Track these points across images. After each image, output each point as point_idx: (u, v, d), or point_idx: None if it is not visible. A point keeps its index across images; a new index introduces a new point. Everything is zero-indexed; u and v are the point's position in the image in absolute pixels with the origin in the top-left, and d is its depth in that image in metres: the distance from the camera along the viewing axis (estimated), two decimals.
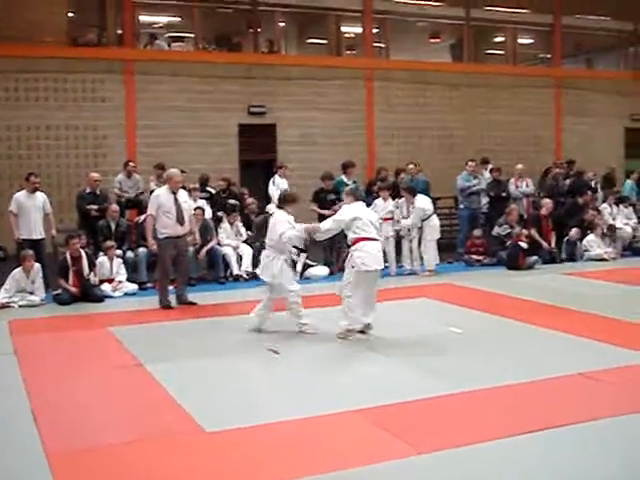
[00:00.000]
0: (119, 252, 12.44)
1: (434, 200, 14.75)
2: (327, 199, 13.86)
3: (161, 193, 10.80)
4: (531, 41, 24.45)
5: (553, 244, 15.05)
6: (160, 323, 9.76)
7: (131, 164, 15.06)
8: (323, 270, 13.44)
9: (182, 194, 10.97)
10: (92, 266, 11.55)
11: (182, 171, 13.05)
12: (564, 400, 6.17)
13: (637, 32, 24.36)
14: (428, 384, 6.60)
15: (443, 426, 5.60)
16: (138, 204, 14.36)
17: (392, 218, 13.54)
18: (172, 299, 10.86)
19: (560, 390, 6.44)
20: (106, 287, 11.73)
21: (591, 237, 15.30)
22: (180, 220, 10.69)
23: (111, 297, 11.58)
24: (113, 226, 12.89)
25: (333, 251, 13.95)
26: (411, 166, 15.65)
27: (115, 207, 13.23)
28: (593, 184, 17.46)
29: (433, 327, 8.63)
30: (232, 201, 14.30)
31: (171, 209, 10.61)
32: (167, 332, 9.32)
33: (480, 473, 4.73)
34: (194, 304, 10.91)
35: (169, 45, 19.66)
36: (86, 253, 11.57)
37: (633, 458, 4.93)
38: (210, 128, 18.15)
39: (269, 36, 20.39)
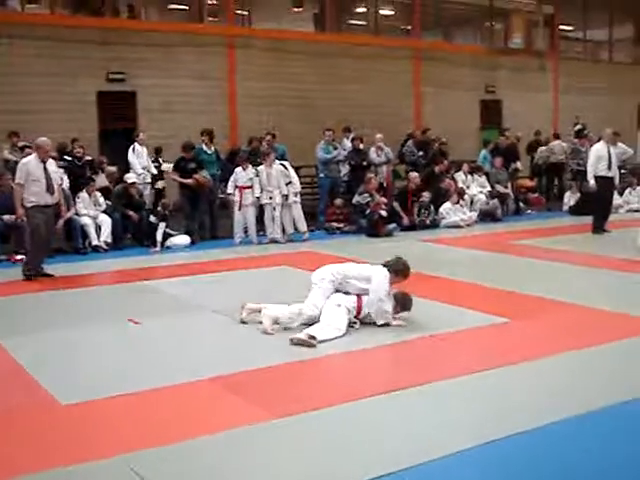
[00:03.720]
0: None
1: (296, 169, 14.91)
2: (188, 168, 13.86)
3: (29, 161, 10.55)
4: (392, 13, 24.86)
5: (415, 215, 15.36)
6: (15, 296, 9.52)
7: None
8: (184, 239, 13.43)
9: (51, 163, 10.79)
10: None
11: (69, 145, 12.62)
12: (414, 362, 6.49)
13: (492, 7, 25.16)
14: (284, 351, 6.70)
15: (299, 391, 5.75)
16: None
17: (251, 186, 13.59)
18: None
19: (409, 352, 6.75)
20: None
21: (447, 205, 15.81)
22: (50, 189, 10.50)
23: None
24: None
25: (195, 220, 13.95)
26: (268, 137, 15.83)
27: (9, 175, 12.65)
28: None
29: (291, 295, 8.77)
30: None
31: (40, 178, 10.39)
32: (22, 305, 9.12)
33: (335, 434, 4.88)
34: (51, 276, 10.69)
35: (22, 7, 18.89)
36: None
37: (473, 417, 5.22)
38: (68, 95, 17.55)
39: (129, 1, 19.91)
